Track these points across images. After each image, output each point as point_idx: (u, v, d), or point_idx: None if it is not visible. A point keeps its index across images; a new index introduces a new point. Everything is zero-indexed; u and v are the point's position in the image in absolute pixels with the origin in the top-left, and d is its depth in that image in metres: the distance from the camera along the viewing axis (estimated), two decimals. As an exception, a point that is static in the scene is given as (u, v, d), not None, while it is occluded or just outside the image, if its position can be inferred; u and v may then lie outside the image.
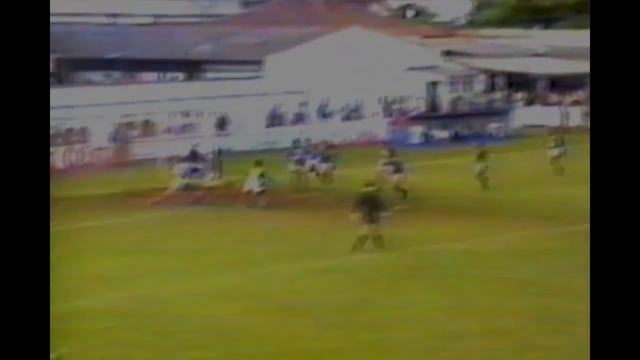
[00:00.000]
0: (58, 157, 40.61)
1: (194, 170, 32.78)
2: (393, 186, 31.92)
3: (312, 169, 35.37)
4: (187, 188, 31.95)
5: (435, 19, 72.01)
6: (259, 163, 31.80)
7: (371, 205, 24.74)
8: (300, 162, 35.17)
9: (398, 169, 32.79)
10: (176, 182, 32.03)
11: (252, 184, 31.14)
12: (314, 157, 35.60)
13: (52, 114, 41.62)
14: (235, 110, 47.00)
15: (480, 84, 56.35)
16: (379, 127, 49.70)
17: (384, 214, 24.87)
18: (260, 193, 30.99)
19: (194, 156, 34.08)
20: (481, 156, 35.06)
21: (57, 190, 35.44)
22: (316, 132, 48.35)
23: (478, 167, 34.75)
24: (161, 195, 31.64)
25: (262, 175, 31.27)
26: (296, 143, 38.18)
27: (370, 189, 25.34)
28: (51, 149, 39.07)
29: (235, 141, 45.02)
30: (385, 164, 33.40)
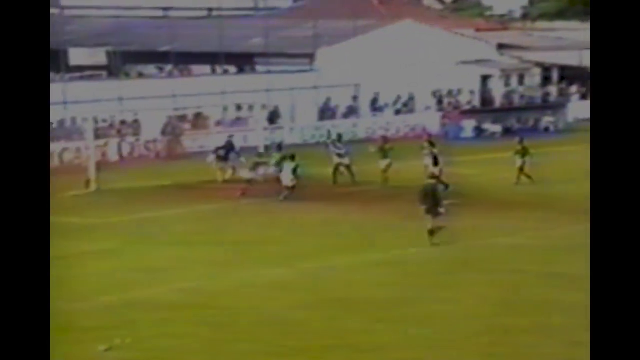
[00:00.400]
0: (111, 149, 40.95)
1: (259, 163, 32.97)
2: (428, 178, 31.77)
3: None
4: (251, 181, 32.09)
5: (490, 12, 71.58)
6: (292, 157, 31.86)
7: (432, 198, 24.73)
8: (341, 155, 34.84)
9: (435, 162, 32.57)
10: (245, 173, 32.13)
11: (285, 177, 31.17)
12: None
13: (107, 105, 41.73)
14: (287, 104, 47.10)
15: (534, 77, 55.94)
16: (431, 120, 49.53)
17: (441, 208, 24.79)
18: (292, 187, 30.95)
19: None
20: (521, 152, 34.76)
21: (108, 182, 36.13)
22: (368, 125, 48.37)
23: (519, 162, 34.51)
24: (240, 187, 31.66)
25: (295, 170, 31.28)
26: (329, 137, 38.01)
27: (432, 181, 25.34)
28: (105, 141, 39.86)
29: (286, 135, 45.12)
30: (425, 155, 33.28)
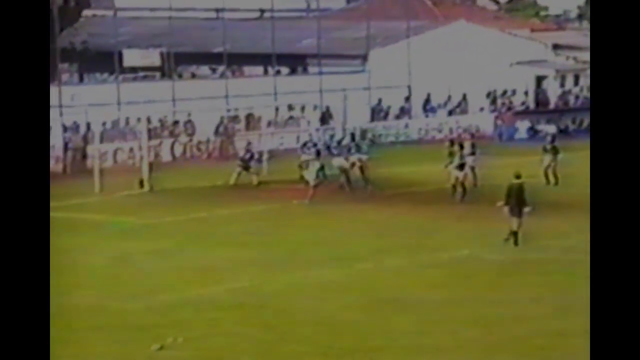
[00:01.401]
0: (164, 149, 41.16)
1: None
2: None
3: None
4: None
5: (545, 12, 71.03)
6: (318, 155, 31.82)
7: (517, 198, 24.45)
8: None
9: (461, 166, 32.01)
10: (311, 175, 32.11)
11: (309, 176, 31.07)
12: None
13: (161, 106, 41.91)
14: (339, 105, 47.04)
15: (589, 78, 55.34)
16: (484, 121, 49.24)
17: (527, 209, 24.56)
18: (315, 186, 30.77)
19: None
20: (550, 151, 34.37)
21: (161, 182, 36.34)
22: (420, 126, 48.17)
23: (546, 160, 34.14)
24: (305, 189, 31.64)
25: (321, 169, 31.14)
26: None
27: (518, 181, 24.99)
28: (158, 141, 40.09)
29: (337, 135, 45.07)
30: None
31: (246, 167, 34.65)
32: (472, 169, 33.06)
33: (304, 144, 36.27)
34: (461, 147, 33.32)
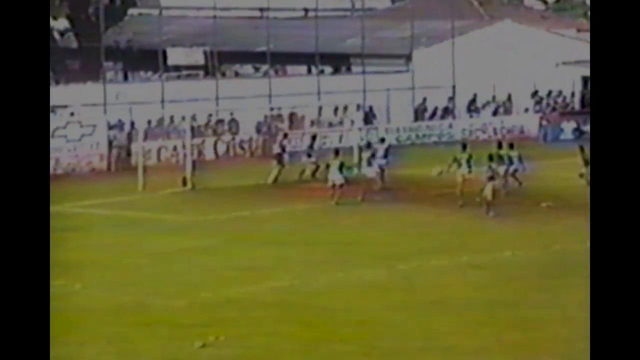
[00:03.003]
0: (208, 147, 41.29)
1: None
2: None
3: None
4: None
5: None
6: (336, 152, 31.51)
7: None
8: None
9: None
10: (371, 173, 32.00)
11: (333, 176, 30.81)
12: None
13: (204, 104, 42.05)
14: (382, 104, 46.92)
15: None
16: (529, 122, 48.90)
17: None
18: (341, 186, 30.59)
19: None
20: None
21: (205, 180, 36.42)
22: (464, 126, 47.95)
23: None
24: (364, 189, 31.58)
25: (342, 167, 30.89)
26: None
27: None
28: (201, 139, 40.23)
29: (382, 135, 44.95)
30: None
31: (281, 163, 34.12)
32: (515, 172, 32.57)
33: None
34: (511, 147, 32.76)
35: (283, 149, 35.87)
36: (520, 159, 32.78)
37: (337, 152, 31.98)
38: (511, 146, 33.52)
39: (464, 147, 32.34)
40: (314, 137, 37.17)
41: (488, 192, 28.54)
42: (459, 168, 30.78)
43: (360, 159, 33.86)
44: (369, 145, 34.36)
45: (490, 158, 29.67)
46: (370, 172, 32.34)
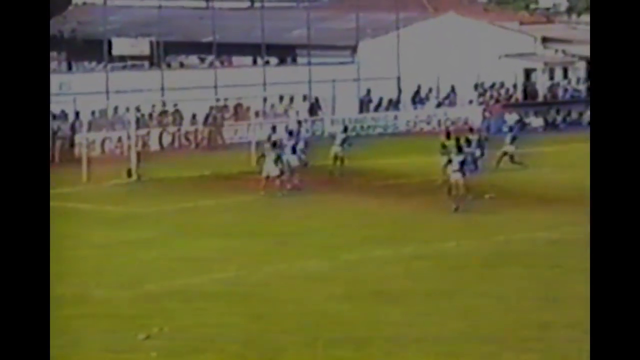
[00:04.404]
0: (152, 138, 41.10)
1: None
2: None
3: None
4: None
5: (535, 5, 71.03)
6: (274, 145, 31.47)
7: None
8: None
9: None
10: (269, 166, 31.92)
11: (269, 168, 30.79)
12: None
13: (149, 95, 41.77)
14: (328, 96, 47.03)
15: (578, 71, 55.46)
16: (473, 113, 49.27)
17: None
18: (278, 177, 30.62)
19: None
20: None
21: (149, 171, 36.24)
22: (409, 118, 48.20)
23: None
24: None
25: (278, 159, 30.87)
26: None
27: None
28: (146, 130, 40.03)
29: (326, 126, 45.06)
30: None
31: (278, 156, 31.95)
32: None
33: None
34: (468, 142, 31.76)
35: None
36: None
37: (274, 144, 31.84)
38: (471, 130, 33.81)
39: (448, 135, 32.47)
40: (274, 128, 36.74)
41: (460, 185, 27.95)
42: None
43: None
44: (291, 133, 34.18)
45: (459, 149, 29.04)
46: (293, 160, 32.29)
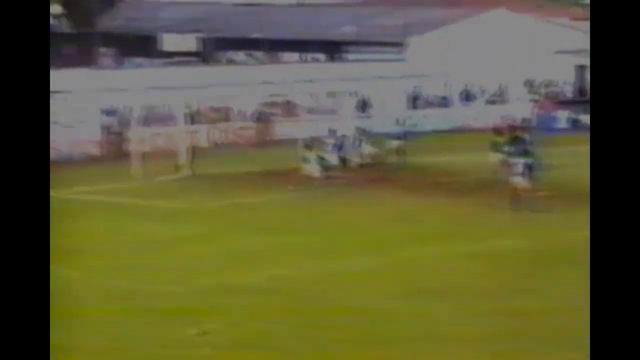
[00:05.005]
0: (202, 135, 41.23)
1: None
2: None
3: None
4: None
5: (586, 1, 70.41)
6: (308, 147, 31.49)
7: None
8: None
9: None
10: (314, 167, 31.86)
11: (312, 168, 30.77)
12: None
13: (198, 91, 42.06)
14: (377, 93, 46.92)
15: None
16: (523, 111, 48.92)
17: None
18: (322, 176, 30.60)
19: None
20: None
21: (199, 167, 36.35)
22: (458, 115, 47.94)
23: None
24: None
25: (321, 159, 30.90)
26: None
27: None
28: (196, 126, 40.14)
29: (375, 123, 44.96)
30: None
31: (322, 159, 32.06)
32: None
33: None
34: (519, 140, 31.37)
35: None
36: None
37: (308, 146, 31.93)
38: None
39: (498, 131, 32.72)
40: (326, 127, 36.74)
41: (523, 189, 27.26)
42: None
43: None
44: (333, 132, 34.20)
45: (525, 152, 28.40)
46: (334, 159, 32.38)
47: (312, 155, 30.96)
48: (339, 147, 33.21)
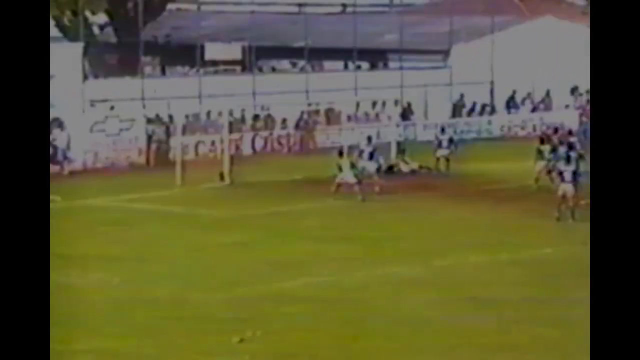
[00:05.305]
0: (245, 142, 41.33)
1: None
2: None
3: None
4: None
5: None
6: (341, 154, 31.41)
7: None
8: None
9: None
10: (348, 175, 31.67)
11: (346, 175, 30.65)
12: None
13: (241, 99, 41.98)
14: (420, 100, 46.78)
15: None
16: (569, 118, 48.58)
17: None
18: (357, 183, 30.44)
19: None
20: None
21: (242, 175, 36.41)
22: (502, 123, 47.68)
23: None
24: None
25: (353, 166, 30.83)
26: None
27: None
28: (239, 134, 40.27)
29: (418, 131, 44.84)
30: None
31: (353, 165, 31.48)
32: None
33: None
34: (569, 146, 31.14)
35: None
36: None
37: (340, 152, 31.82)
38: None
39: (542, 140, 32.89)
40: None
41: (570, 197, 26.90)
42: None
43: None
44: (369, 139, 34.02)
45: (568, 159, 28.06)
46: (370, 166, 32.30)
47: (345, 162, 30.91)
48: (375, 155, 33.07)
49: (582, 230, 24.60)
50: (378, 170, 32.85)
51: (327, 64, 50.64)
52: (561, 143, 32.98)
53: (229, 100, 40.23)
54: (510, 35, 49.56)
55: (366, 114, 45.27)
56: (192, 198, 31.36)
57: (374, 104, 45.22)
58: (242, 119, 42.64)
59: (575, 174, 27.30)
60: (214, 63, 47.45)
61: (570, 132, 36.75)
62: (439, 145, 36.37)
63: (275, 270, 22.07)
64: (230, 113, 38.86)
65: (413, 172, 35.60)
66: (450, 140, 36.68)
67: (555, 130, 37.64)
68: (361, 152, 32.84)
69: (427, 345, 16.89)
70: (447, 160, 35.61)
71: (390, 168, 35.41)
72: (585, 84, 50.91)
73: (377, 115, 45.18)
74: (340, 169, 31.00)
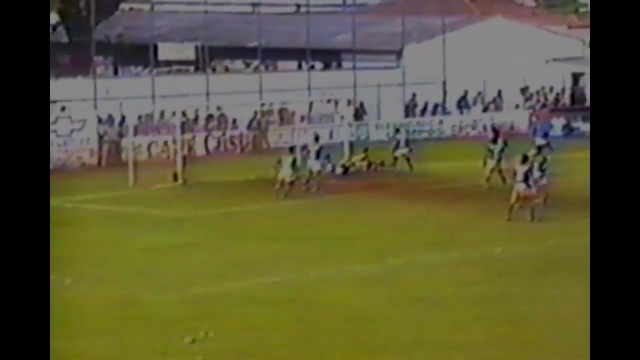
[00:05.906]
0: (198, 143, 41.23)
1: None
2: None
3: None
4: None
5: (584, 9, 70.54)
6: (291, 150, 31.55)
7: None
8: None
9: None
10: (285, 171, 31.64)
11: (285, 173, 30.75)
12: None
13: (195, 100, 41.85)
14: (372, 100, 46.94)
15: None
16: (520, 118, 48.97)
17: None
18: (292, 183, 30.56)
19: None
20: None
21: (195, 175, 36.35)
22: (454, 123, 47.98)
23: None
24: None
25: (294, 163, 30.90)
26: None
27: None
28: (192, 135, 40.16)
29: (371, 131, 44.99)
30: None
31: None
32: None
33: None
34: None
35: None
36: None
37: (291, 149, 31.93)
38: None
39: (494, 138, 33.18)
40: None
41: (523, 196, 27.20)
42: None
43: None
44: (316, 138, 33.97)
45: (524, 159, 28.07)
46: (316, 165, 32.35)
47: (287, 159, 30.90)
48: (325, 154, 33.18)
49: (532, 229, 24.92)
50: (321, 169, 32.81)
51: (281, 64, 50.66)
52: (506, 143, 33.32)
53: (182, 100, 40.12)
54: (461, 35, 49.89)
55: (321, 114, 45.32)
56: (144, 198, 31.24)
57: (327, 102, 45.29)
58: (196, 120, 42.54)
59: (528, 173, 27.50)
60: (167, 63, 47.27)
61: (518, 133, 36.98)
62: (397, 144, 36.52)
63: (228, 270, 22.06)
64: (184, 113, 38.75)
65: (370, 166, 35.66)
66: (407, 140, 36.90)
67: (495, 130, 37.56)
68: (308, 151, 32.91)
69: (381, 344, 16.97)
70: (408, 159, 35.70)
71: (345, 171, 35.44)
72: (534, 84, 51.44)
73: (330, 115, 45.26)
74: (280, 163, 30.91)
